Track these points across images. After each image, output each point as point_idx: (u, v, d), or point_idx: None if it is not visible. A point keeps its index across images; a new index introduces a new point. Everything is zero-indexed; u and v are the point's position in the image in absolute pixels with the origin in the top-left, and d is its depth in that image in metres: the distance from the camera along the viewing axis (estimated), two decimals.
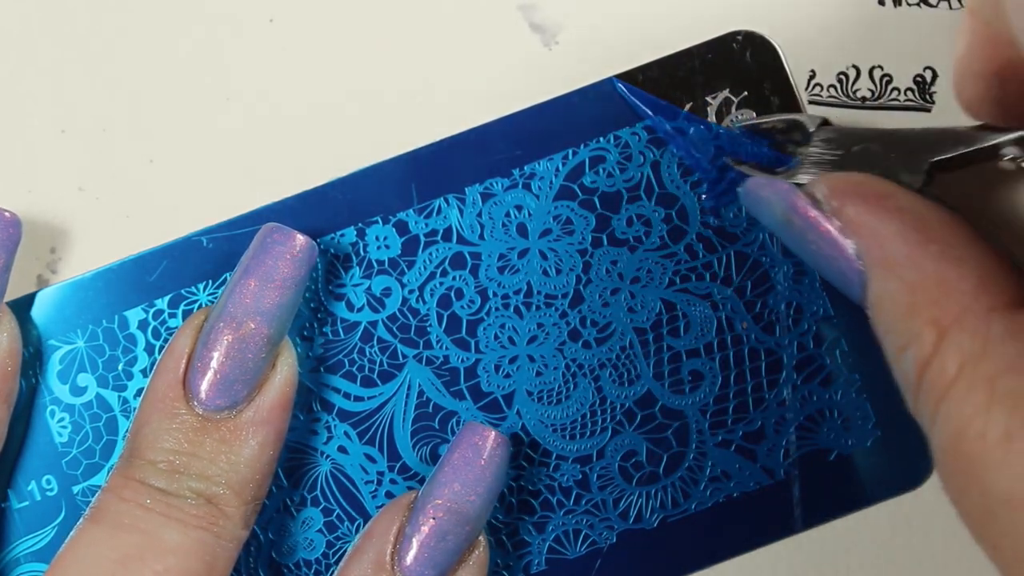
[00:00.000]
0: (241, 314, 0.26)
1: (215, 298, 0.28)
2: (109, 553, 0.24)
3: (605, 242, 0.29)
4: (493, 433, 0.27)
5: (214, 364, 0.26)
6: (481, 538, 0.27)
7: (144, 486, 0.25)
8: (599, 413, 0.29)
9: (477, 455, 0.27)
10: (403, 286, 0.29)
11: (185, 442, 0.25)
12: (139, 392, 0.28)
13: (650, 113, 0.28)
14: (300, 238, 0.26)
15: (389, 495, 0.29)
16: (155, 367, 0.27)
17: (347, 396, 0.29)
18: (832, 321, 0.29)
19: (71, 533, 0.25)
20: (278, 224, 0.26)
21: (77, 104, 0.29)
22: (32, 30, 0.29)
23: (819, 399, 0.29)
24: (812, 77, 0.30)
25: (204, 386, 0.26)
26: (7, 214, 0.26)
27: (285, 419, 0.27)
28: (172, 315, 0.28)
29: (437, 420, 0.29)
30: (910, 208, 0.21)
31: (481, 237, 0.29)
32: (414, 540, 0.26)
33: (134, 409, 0.28)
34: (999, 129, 0.22)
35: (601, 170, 0.29)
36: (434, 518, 0.26)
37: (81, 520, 0.25)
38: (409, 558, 0.26)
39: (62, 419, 0.28)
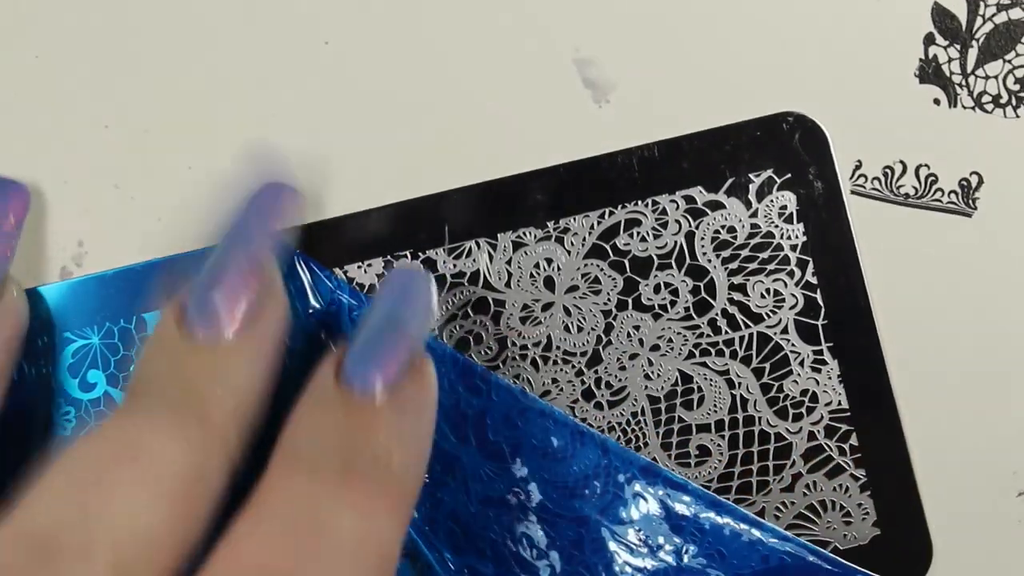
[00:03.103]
0: (236, 243, 0.25)
1: None
2: (93, 454, 0.23)
3: (630, 306, 0.29)
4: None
5: (206, 292, 0.24)
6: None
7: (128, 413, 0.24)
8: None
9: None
10: None
11: (173, 366, 0.24)
12: None
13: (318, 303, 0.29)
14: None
15: None
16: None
17: None
18: (845, 415, 0.29)
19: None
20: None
21: (124, 102, 0.29)
22: (92, 25, 0.29)
23: (823, 490, 0.29)
24: (858, 167, 0.29)
25: (196, 313, 0.24)
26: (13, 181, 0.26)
27: (275, 345, 0.25)
28: None
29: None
30: None
31: (507, 285, 0.29)
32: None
33: None
34: None
35: (635, 233, 0.29)
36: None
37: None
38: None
39: (67, 413, 0.28)
